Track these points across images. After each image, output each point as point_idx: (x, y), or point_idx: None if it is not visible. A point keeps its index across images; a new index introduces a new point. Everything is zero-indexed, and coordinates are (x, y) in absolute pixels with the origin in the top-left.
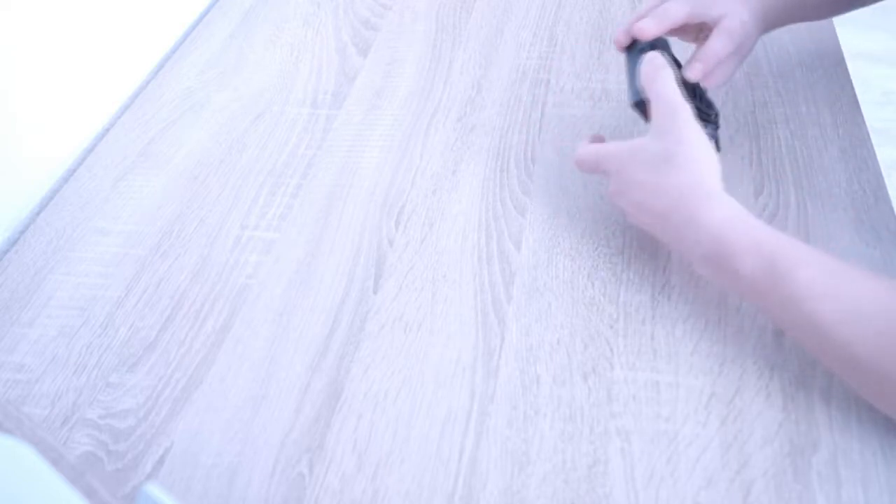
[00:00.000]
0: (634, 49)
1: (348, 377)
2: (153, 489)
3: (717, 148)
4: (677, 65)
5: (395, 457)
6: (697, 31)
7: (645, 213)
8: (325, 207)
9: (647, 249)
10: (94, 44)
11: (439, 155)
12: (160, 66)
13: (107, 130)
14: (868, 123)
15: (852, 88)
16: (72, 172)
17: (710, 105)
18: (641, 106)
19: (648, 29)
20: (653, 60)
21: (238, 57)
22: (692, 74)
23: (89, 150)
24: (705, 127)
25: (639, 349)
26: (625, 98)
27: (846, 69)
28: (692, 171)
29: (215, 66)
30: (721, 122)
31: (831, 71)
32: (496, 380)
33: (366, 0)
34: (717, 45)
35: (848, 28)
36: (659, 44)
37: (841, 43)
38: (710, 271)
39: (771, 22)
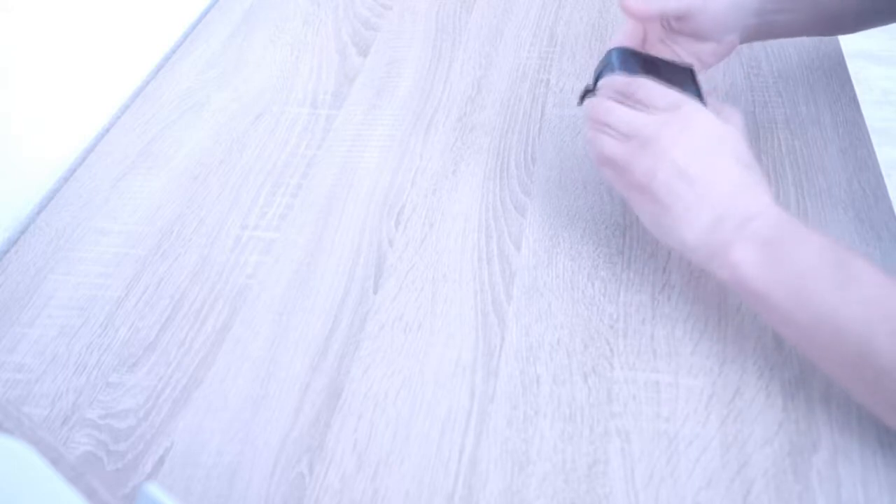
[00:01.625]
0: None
1: (348, 377)
2: (153, 489)
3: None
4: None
5: (395, 457)
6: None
7: (678, 177)
8: (325, 207)
9: (647, 249)
10: (95, 44)
11: (439, 155)
12: (160, 66)
13: (107, 130)
14: (868, 123)
15: (852, 88)
16: (72, 172)
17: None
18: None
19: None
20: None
21: (238, 57)
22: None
23: (89, 150)
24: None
25: (639, 349)
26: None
27: (846, 69)
28: (745, 152)
29: (215, 66)
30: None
31: (831, 71)
32: (496, 380)
33: (366, 0)
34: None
35: None
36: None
37: (841, 43)
38: (749, 252)
39: (750, 28)
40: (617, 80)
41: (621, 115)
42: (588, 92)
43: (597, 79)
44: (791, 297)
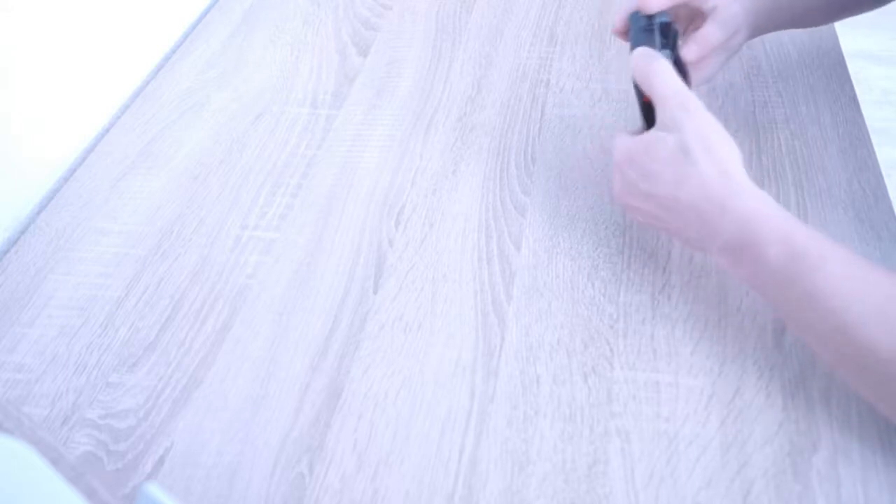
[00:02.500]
0: (643, 24)
1: (348, 377)
2: (153, 489)
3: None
4: (673, 42)
5: (395, 457)
6: (689, 19)
7: (659, 208)
8: (325, 207)
9: (647, 249)
10: (95, 44)
11: (439, 155)
12: (160, 66)
13: (107, 130)
14: (868, 123)
15: (852, 88)
16: (72, 172)
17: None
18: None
19: (653, 2)
20: (643, 55)
21: (238, 57)
22: (689, 55)
23: (89, 150)
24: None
25: (639, 349)
26: (625, 98)
27: (846, 69)
28: (716, 161)
29: (215, 66)
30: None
31: (831, 71)
32: (496, 380)
33: (366, 0)
34: (711, 31)
35: (848, 28)
36: (657, 23)
37: (841, 43)
38: (731, 260)
39: (762, 24)
40: (640, 70)
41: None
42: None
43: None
44: (765, 292)
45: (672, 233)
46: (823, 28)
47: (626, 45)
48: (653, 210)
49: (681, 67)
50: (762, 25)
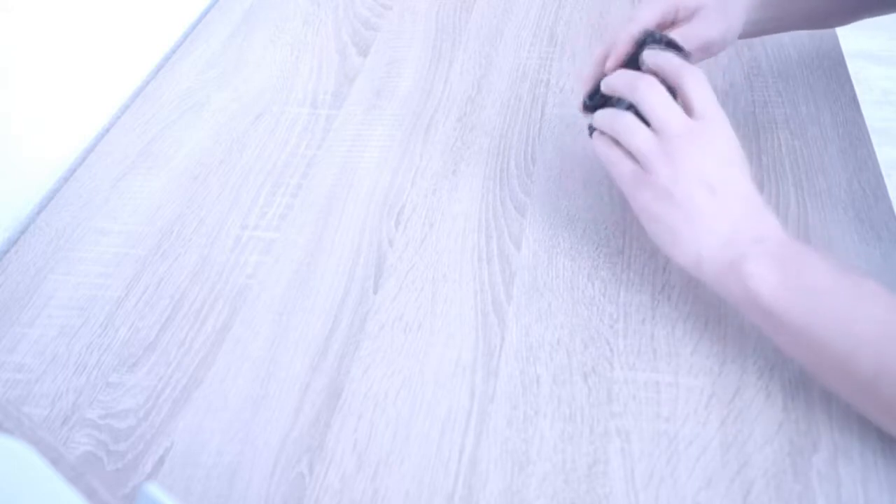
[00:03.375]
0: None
1: (348, 377)
2: (153, 489)
3: None
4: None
5: (395, 457)
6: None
7: (702, 191)
8: (325, 207)
9: (647, 249)
10: (95, 44)
11: (439, 155)
12: (160, 66)
13: (107, 130)
14: (868, 123)
15: (852, 88)
16: (72, 172)
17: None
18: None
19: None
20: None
21: (238, 57)
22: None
23: (89, 150)
24: None
25: (639, 349)
26: None
27: (846, 69)
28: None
29: (215, 66)
30: None
31: (831, 71)
32: (496, 380)
33: (366, 0)
34: (699, 27)
35: (848, 28)
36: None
37: (841, 43)
38: (764, 267)
39: (749, 27)
40: (674, 60)
41: (664, 108)
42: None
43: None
44: (804, 315)
45: (689, 222)
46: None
47: None
48: (688, 191)
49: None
50: (753, 29)
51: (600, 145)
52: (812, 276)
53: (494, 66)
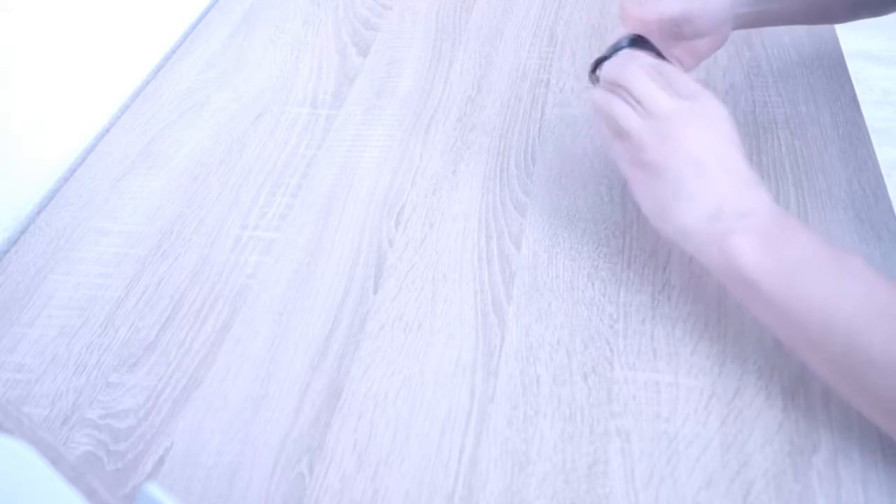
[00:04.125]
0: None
1: (348, 377)
2: (153, 489)
3: None
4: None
5: (395, 457)
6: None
7: (689, 163)
8: (325, 207)
9: (647, 249)
10: (95, 44)
11: (439, 155)
12: (160, 66)
13: (107, 130)
14: (868, 123)
15: (852, 88)
16: (72, 172)
17: None
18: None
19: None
20: (611, 70)
21: (238, 57)
22: (686, 68)
23: (89, 150)
24: None
25: (639, 349)
26: None
27: (846, 69)
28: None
29: (215, 66)
30: None
31: (831, 71)
32: (496, 380)
33: (366, 0)
34: (700, 43)
35: (848, 28)
36: (626, 41)
37: (841, 43)
38: (750, 241)
39: (742, 17)
40: (643, 57)
41: (647, 85)
42: (601, 61)
43: (612, 51)
44: (784, 288)
45: (674, 190)
46: (823, 28)
47: None
48: (677, 161)
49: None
50: (746, 19)
51: (606, 117)
52: (795, 251)
53: (494, 66)
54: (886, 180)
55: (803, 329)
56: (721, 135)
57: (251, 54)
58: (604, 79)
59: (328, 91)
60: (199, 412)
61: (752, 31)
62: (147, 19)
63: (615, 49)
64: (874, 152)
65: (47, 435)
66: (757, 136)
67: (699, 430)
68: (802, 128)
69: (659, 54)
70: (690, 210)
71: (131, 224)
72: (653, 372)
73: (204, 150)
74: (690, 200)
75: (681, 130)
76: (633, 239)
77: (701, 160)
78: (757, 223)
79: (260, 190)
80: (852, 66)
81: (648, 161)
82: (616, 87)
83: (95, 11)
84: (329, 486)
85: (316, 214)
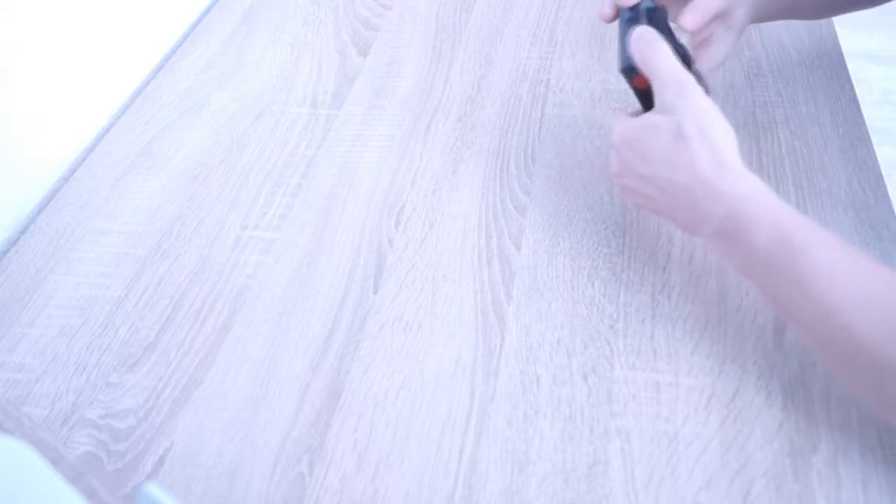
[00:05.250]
0: (629, 15)
1: (348, 377)
2: (153, 489)
3: None
4: (671, 34)
5: (395, 457)
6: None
7: (654, 190)
8: (325, 207)
9: (647, 249)
10: (95, 44)
11: (439, 155)
12: (160, 66)
13: (107, 130)
14: (868, 123)
15: (852, 88)
16: (72, 172)
17: (699, 77)
18: (630, 73)
19: None
20: (643, 36)
21: (238, 57)
22: (687, 22)
23: (89, 150)
24: None
25: (639, 349)
26: (625, 98)
27: (846, 69)
28: (710, 146)
29: (215, 66)
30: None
31: (831, 70)
32: (496, 380)
33: (366, 0)
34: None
35: (848, 28)
36: (654, 13)
37: (841, 42)
38: (722, 246)
39: (762, 9)
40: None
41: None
42: (627, 69)
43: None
44: (754, 278)
45: (667, 216)
46: (823, 28)
47: None
48: (648, 191)
49: (681, 52)
50: (765, 11)
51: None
52: (745, 254)
53: (494, 66)
54: (886, 180)
55: (803, 308)
56: (665, 151)
57: (251, 54)
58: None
59: (328, 91)
60: (199, 412)
61: (752, 30)
62: (147, 19)
63: (632, 20)
64: (874, 152)
65: (47, 435)
66: (757, 136)
67: (699, 430)
68: (802, 128)
69: (670, 33)
70: (678, 222)
71: (131, 224)
72: (653, 372)
73: (204, 150)
74: (672, 218)
75: (628, 159)
76: (633, 239)
77: (656, 184)
78: (721, 228)
79: (260, 190)
80: (852, 66)
81: (629, 186)
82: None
83: (95, 12)
84: (329, 486)
85: (316, 214)
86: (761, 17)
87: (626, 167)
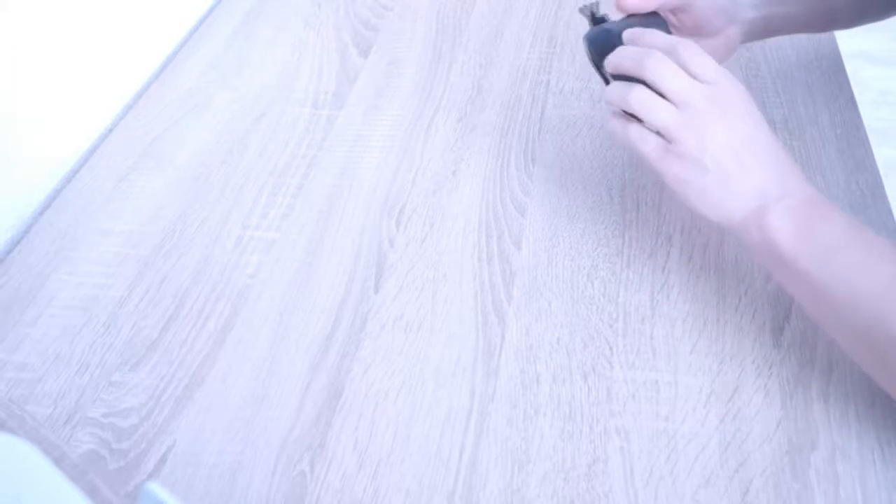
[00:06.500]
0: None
1: (349, 377)
2: (155, 488)
3: None
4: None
5: (396, 456)
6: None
7: (723, 150)
8: (325, 207)
9: (646, 249)
10: (97, 45)
11: (440, 155)
12: (162, 67)
13: (109, 131)
14: (866, 123)
15: (850, 88)
16: (74, 173)
17: None
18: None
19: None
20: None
21: (239, 58)
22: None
23: (92, 151)
24: None
25: (638, 348)
26: None
27: (844, 69)
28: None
29: (217, 66)
30: None
31: (829, 71)
32: (496, 379)
33: (366, 0)
34: (732, 31)
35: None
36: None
37: (839, 43)
38: (796, 216)
39: (751, 22)
40: (656, 35)
41: (671, 81)
42: (592, 16)
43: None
44: (815, 266)
45: (712, 185)
46: None
47: None
48: (714, 150)
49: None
50: (759, 26)
51: (618, 126)
52: (829, 232)
53: (494, 67)
54: (884, 181)
55: (833, 305)
56: (750, 118)
57: (253, 55)
58: (618, 69)
59: (329, 91)
60: (201, 411)
61: None
62: (149, 20)
63: (626, 26)
64: (872, 153)
65: (50, 434)
66: None
67: (698, 429)
68: (801, 128)
69: (667, 29)
70: (734, 195)
71: (133, 224)
72: (652, 371)
73: (206, 150)
74: (736, 192)
75: (714, 120)
76: (633, 239)
77: (739, 148)
78: (793, 204)
79: (261, 190)
80: (850, 67)
81: (684, 153)
82: (634, 81)
83: (98, 13)
84: (330, 485)
85: (317, 214)
86: (758, 35)
87: (696, 120)
